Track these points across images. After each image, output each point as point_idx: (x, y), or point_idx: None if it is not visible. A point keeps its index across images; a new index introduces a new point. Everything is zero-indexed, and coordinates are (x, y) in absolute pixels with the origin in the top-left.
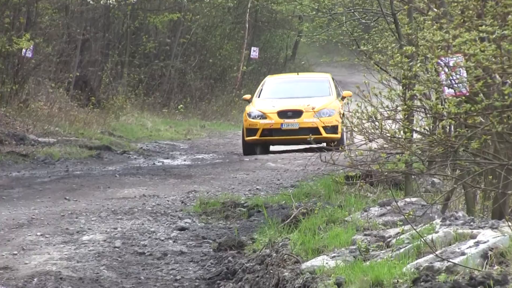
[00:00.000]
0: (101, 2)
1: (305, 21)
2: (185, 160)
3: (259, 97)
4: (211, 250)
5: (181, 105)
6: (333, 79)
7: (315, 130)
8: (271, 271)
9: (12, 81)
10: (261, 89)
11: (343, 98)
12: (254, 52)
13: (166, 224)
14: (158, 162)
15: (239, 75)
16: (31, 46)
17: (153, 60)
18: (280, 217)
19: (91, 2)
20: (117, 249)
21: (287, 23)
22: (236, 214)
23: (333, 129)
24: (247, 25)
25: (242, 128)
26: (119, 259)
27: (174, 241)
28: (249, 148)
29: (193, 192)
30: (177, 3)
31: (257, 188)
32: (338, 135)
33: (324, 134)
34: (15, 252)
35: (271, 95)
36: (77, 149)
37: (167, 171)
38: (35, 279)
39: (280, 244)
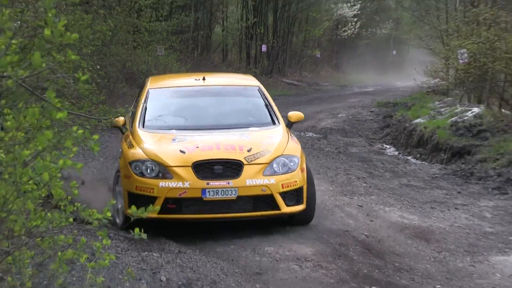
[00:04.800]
0: None
1: None
2: None
3: (143, 125)
4: None
5: None
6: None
7: (267, 201)
8: None
9: None
10: (143, 109)
11: (290, 124)
12: None
13: None
14: None
15: None
16: None
17: None
18: None
19: None
20: None
21: None
22: None
23: (297, 195)
24: None
25: (120, 187)
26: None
27: None
28: (127, 227)
29: None
30: None
31: None
32: (302, 206)
33: (284, 209)
34: None
35: (168, 122)
36: None
37: None
38: None
39: None
